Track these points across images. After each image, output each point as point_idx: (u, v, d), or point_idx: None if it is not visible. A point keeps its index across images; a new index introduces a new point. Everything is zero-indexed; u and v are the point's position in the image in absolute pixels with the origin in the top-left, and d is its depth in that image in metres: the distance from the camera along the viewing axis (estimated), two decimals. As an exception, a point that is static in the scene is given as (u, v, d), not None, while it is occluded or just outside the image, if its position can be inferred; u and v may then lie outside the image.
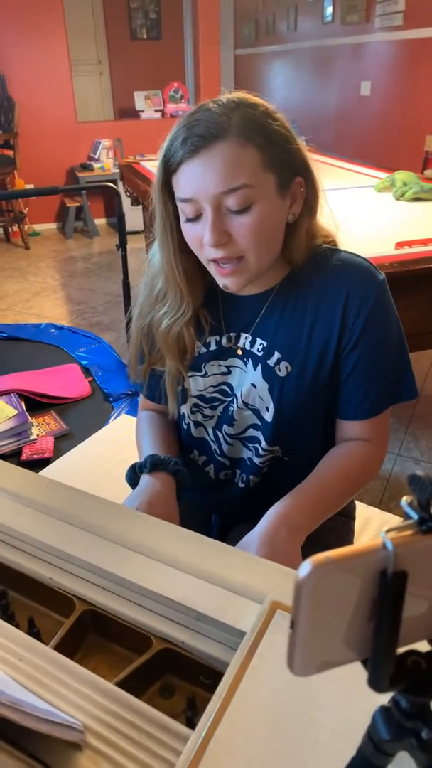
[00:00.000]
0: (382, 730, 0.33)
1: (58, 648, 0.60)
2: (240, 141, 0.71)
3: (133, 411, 2.00)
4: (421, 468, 2.08)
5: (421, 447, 2.19)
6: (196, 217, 0.75)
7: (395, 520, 1.14)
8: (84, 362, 2.50)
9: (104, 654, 0.66)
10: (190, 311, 0.85)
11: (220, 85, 5.08)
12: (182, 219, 0.78)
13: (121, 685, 0.56)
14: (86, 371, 2.38)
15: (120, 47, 6.37)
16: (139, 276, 0.93)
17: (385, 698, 0.34)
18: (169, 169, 0.76)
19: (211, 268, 0.79)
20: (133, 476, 0.90)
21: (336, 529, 0.97)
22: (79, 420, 2.03)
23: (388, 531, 0.28)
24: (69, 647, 0.62)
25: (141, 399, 1.06)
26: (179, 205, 0.77)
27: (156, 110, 5.18)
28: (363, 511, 1.20)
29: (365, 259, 0.85)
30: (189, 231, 0.77)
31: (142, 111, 5.19)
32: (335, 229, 0.88)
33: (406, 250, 1.73)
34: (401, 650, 0.31)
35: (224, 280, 0.79)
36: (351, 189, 2.57)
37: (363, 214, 2.20)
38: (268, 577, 0.65)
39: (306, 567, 0.28)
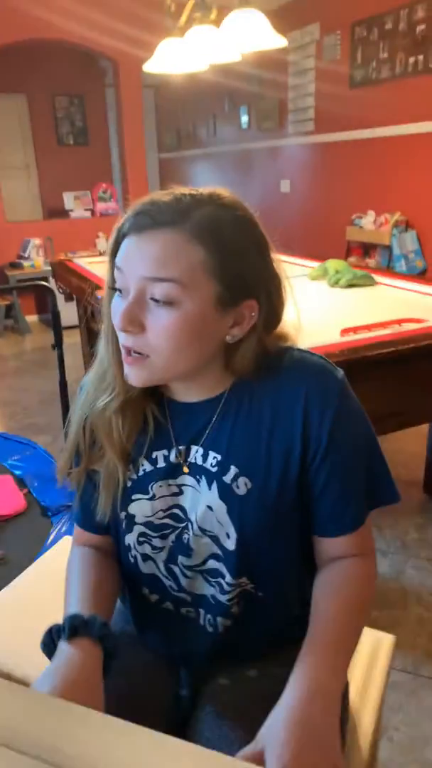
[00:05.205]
0: None
1: None
2: (188, 236, 0.64)
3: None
4: (388, 559, 1.97)
5: (386, 537, 2.09)
6: (124, 293, 0.68)
7: (387, 639, 1.00)
8: (17, 472, 2.28)
9: None
10: (121, 397, 0.74)
11: (147, 184, 5.27)
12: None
13: None
14: (20, 482, 2.17)
15: (48, 152, 6.56)
16: (76, 372, 0.80)
17: None
18: (118, 237, 0.69)
19: (123, 352, 0.70)
20: (50, 643, 0.72)
21: None
22: (14, 541, 1.80)
23: None
24: None
25: (75, 529, 0.89)
26: (115, 272, 0.69)
27: (86, 209, 5.27)
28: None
29: (320, 357, 0.76)
30: (114, 305, 0.70)
31: (72, 210, 5.26)
32: (294, 331, 0.78)
33: (352, 336, 1.71)
34: None
35: (126, 369, 0.71)
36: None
37: (301, 302, 2.19)
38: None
39: None
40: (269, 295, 0.71)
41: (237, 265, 0.67)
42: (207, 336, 0.69)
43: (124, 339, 0.69)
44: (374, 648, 0.96)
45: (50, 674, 0.67)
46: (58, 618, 0.79)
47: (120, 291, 0.69)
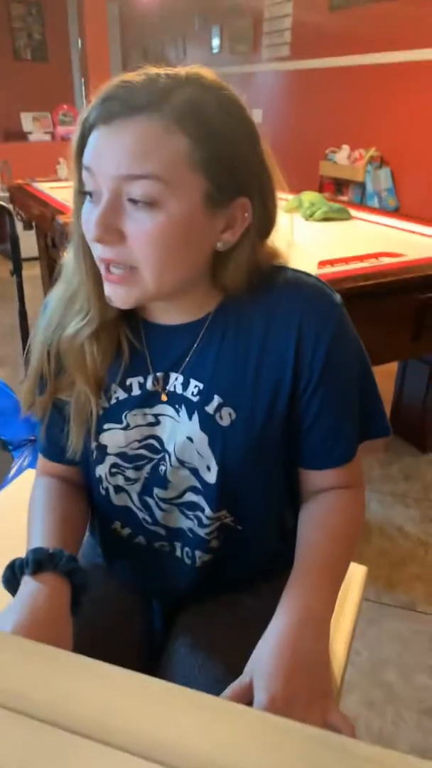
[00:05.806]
0: None
1: None
2: (168, 123, 0.55)
3: (36, 461, 1.74)
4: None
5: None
6: (95, 197, 0.59)
7: (359, 570, 1.00)
8: (-24, 405, 2.19)
9: None
10: (96, 321, 0.66)
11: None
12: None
13: None
14: (-21, 416, 2.08)
15: (3, 67, 6.05)
16: (37, 304, 0.72)
17: None
18: (84, 131, 0.59)
19: (101, 269, 0.62)
20: (12, 578, 0.66)
21: None
22: (-28, 475, 1.73)
23: None
24: None
25: (39, 459, 0.83)
26: (83, 174, 0.60)
27: (46, 132, 4.93)
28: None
29: (317, 279, 0.69)
30: (84, 212, 0.60)
31: (30, 133, 4.92)
32: (286, 247, 0.70)
33: (329, 269, 1.65)
34: None
35: (109, 289, 0.62)
36: (258, 210, 2.49)
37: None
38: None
39: None
40: (262, 193, 0.63)
41: (226, 156, 0.58)
42: (196, 242, 0.61)
43: (101, 251, 0.60)
44: (347, 579, 0.96)
45: (13, 610, 0.62)
46: (21, 553, 0.74)
47: (90, 195, 0.59)
